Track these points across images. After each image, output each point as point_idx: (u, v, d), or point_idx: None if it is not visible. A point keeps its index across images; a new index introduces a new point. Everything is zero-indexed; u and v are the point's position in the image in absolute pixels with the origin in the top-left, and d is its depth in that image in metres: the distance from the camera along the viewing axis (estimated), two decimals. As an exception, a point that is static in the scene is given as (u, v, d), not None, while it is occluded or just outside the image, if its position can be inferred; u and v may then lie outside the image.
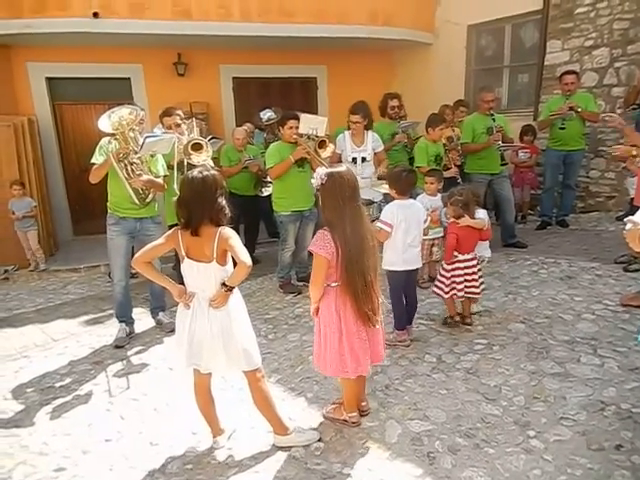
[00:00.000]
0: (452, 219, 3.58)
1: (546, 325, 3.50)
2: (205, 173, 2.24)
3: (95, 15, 5.94)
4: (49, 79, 7.06)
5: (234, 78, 8.00)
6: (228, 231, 2.27)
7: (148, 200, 3.72)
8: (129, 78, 7.42)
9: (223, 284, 2.26)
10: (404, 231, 3.24)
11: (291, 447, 2.47)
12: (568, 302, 3.82)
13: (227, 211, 2.28)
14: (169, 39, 6.67)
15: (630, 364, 2.90)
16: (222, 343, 2.26)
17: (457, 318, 3.66)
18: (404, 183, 3.28)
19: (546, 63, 6.73)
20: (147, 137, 3.36)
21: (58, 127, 7.35)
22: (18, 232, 5.84)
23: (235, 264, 2.36)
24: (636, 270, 4.16)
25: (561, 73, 5.73)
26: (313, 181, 2.35)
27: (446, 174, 4.70)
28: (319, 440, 2.51)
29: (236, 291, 2.37)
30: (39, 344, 3.98)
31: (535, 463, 2.22)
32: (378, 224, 3.25)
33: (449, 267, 3.56)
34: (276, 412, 2.48)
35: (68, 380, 3.35)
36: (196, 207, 2.19)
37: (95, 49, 6.90)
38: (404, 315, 3.46)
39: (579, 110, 5.48)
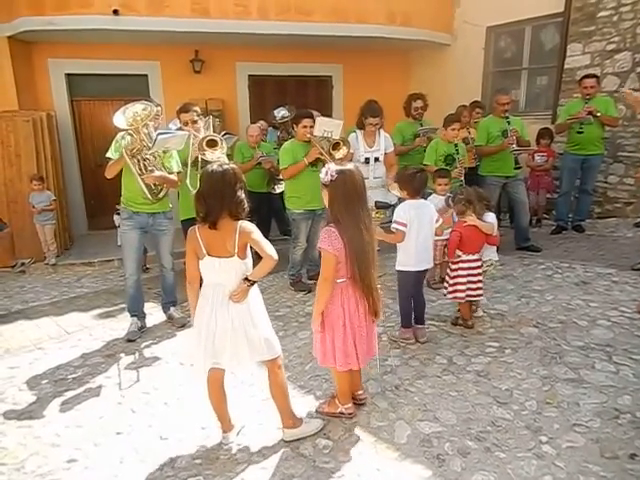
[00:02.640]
0: (458, 217, 3.60)
1: (560, 330, 3.46)
2: (225, 167, 2.26)
3: (115, 12, 6.01)
4: (68, 75, 7.16)
5: (250, 76, 8.04)
6: (249, 225, 2.29)
7: (161, 196, 3.75)
8: (146, 75, 7.49)
9: (245, 279, 2.28)
10: (416, 231, 3.24)
11: (300, 439, 2.48)
12: (583, 307, 3.77)
13: (246, 205, 2.29)
14: (186, 36, 6.71)
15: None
16: (245, 335, 2.28)
17: (470, 323, 3.63)
18: (416, 184, 3.28)
19: (566, 66, 6.64)
20: (160, 133, 3.38)
21: (76, 123, 7.44)
22: (37, 225, 5.93)
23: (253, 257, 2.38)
24: (654, 277, 4.10)
25: (581, 77, 5.65)
26: (322, 175, 2.35)
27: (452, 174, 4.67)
28: (327, 438, 2.51)
29: (254, 288, 2.38)
30: (53, 336, 4.03)
31: (547, 469, 2.19)
32: (393, 225, 3.25)
33: (454, 267, 3.57)
34: (290, 404, 2.52)
35: (81, 372, 3.38)
36: (215, 200, 2.19)
37: (113, 46, 6.98)
38: (410, 314, 3.46)
39: (598, 115, 5.40)
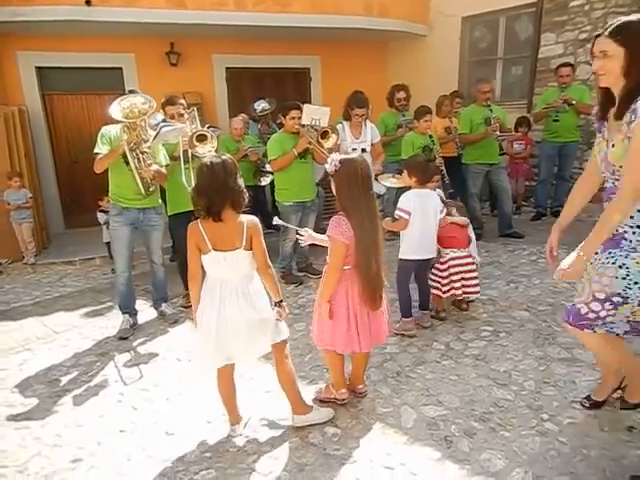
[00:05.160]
0: None
1: (550, 312, 3.57)
2: (223, 158, 2.25)
3: (87, 3, 5.84)
4: (39, 68, 6.93)
5: (227, 68, 7.95)
6: (256, 223, 2.30)
7: (152, 189, 3.69)
8: (121, 68, 7.31)
9: (276, 304, 2.40)
10: (420, 220, 3.26)
11: (309, 426, 2.51)
12: (569, 290, 3.89)
13: (246, 194, 2.28)
14: (162, 28, 6.59)
15: (635, 348, 2.96)
16: (259, 323, 2.30)
17: (443, 314, 3.68)
18: (426, 173, 3.31)
19: (540, 56, 6.81)
20: (164, 126, 3.32)
21: (48, 118, 7.22)
22: (13, 224, 5.75)
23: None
24: (634, 259, 4.25)
25: (557, 65, 5.80)
26: (327, 166, 2.37)
27: None
28: (335, 426, 2.54)
29: (255, 274, 2.37)
30: (41, 337, 3.92)
31: (550, 445, 2.27)
32: (397, 212, 3.27)
33: (443, 267, 3.57)
34: (299, 391, 2.54)
35: (75, 372, 3.31)
36: (218, 192, 2.17)
37: (86, 38, 6.79)
38: (410, 304, 3.49)
39: (573, 103, 5.55)
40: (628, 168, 1.87)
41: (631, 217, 1.97)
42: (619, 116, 1.91)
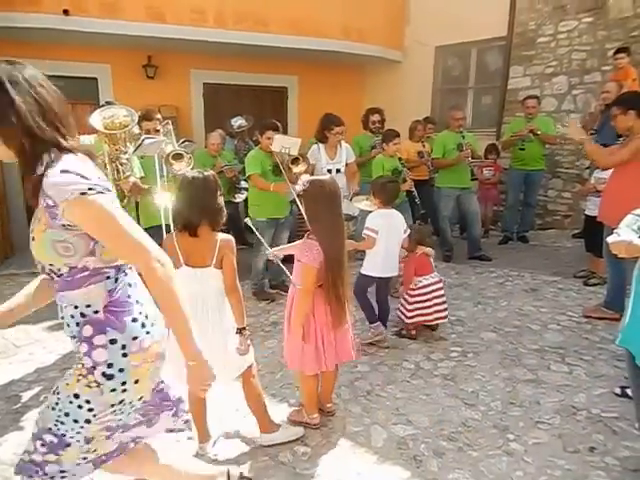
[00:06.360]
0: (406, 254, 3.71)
1: (516, 334, 3.67)
2: (205, 174, 2.26)
3: (65, 12, 5.79)
4: (10, 75, 6.78)
5: (205, 84, 7.96)
6: (230, 243, 2.28)
7: (126, 202, 3.64)
8: (96, 78, 7.22)
9: (239, 331, 2.33)
10: (385, 239, 3.37)
11: (277, 445, 2.49)
12: (535, 313, 4.02)
13: (225, 213, 2.29)
14: (139, 41, 6.57)
15: (596, 371, 3.09)
16: (224, 346, 2.27)
17: (413, 333, 3.71)
18: (389, 194, 3.41)
19: (509, 87, 7.10)
20: (146, 138, 3.31)
21: (17, 125, 7.03)
22: (-25, 232, 5.55)
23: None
24: (595, 284, 4.44)
25: (524, 97, 6.06)
26: (297, 187, 2.43)
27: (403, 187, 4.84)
28: (305, 445, 2.53)
29: (224, 296, 2.35)
30: (0, 351, 3.77)
31: (517, 465, 2.32)
32: (365, 231, 3.37)
33: (413, 292, 3.62)
34: (266, 410, 2.53)
35: (37, 388, 3.19)
36: (196, 207, 2.17)
37: (61, 46, 6.68)
38: (372, 308, 3.56)
39: (538, 133, 5.81)
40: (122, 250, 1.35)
41: (76, 324, 1.45)
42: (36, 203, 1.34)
